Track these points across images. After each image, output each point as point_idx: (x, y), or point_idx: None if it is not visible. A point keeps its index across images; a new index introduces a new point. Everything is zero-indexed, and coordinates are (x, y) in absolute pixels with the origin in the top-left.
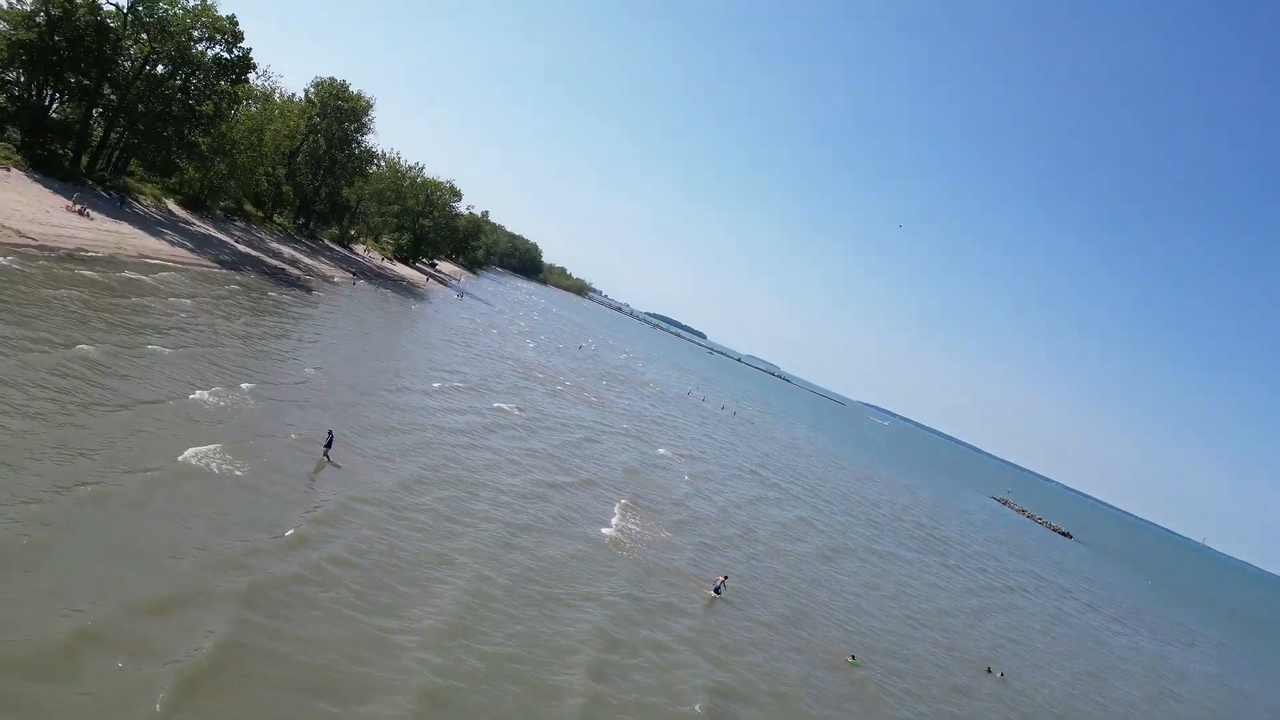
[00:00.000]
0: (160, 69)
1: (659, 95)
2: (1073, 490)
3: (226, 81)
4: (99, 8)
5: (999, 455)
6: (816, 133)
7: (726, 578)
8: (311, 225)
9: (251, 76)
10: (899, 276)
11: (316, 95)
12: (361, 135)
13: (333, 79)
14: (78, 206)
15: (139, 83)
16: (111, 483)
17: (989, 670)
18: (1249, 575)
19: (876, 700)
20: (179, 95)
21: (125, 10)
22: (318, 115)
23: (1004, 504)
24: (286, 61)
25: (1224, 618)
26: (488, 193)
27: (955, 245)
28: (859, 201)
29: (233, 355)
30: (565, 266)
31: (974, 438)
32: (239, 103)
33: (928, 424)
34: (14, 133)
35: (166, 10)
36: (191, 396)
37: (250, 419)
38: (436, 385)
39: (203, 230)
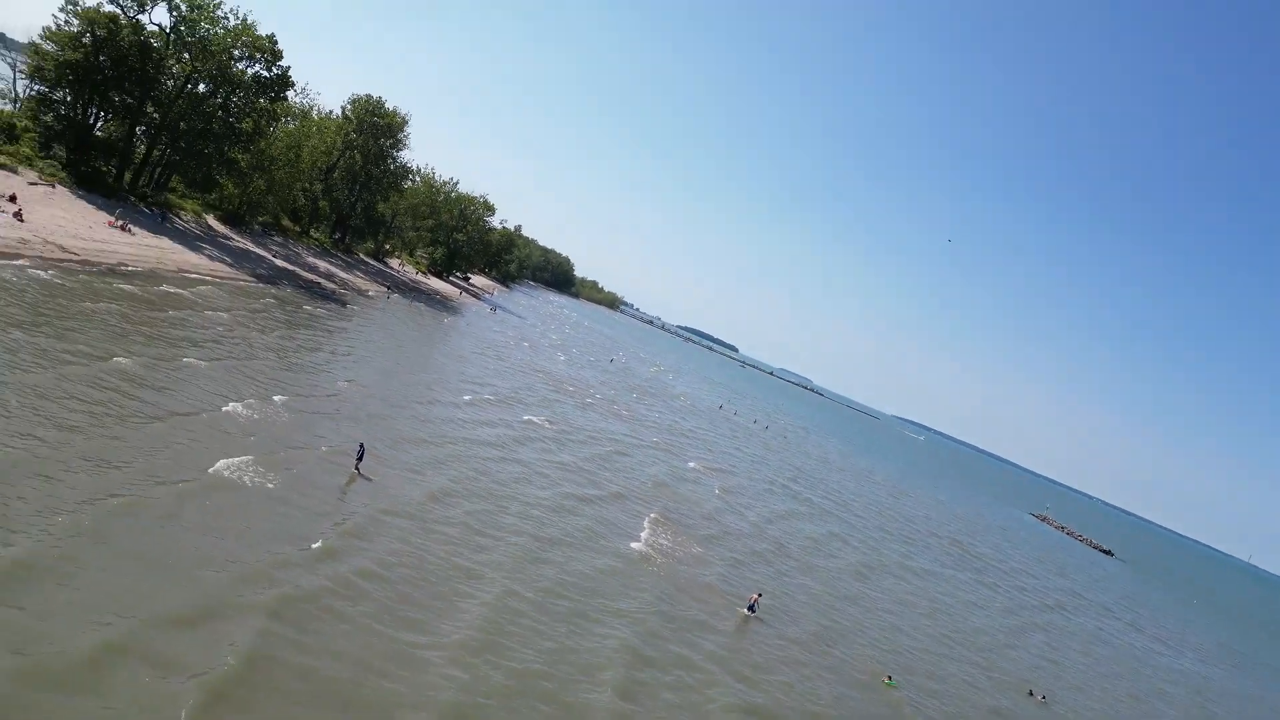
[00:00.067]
0: (201, 87)
1: (694, 108)
2: (1114, 506)
3: (266, 99)
4: (142, 28)
5: (1037, 470)
6: (844, 144)
7: (761, 595)
8: (347, 240)
9: (290, 94)
10: (937, 291)
11: (353, 112)
12: (397, 151)
13: (369, 96)
14: (120, 222)
15: (181, 101)
16: (143, 494)
17: (1030, 693)
18: None
19: None
20: (219, 113)
21: (168, 30)
22: (354, 131)
23: (1044, 520)
24: (323, 78)
25: (1270, 638)
26: (520, 205)
27: (993, 260)
28: (895, 213)
29: (267, 368)
30: (597, 280)
31: (1012, 453)
32: (278, 120)
33: (964, 439)
34: (60, 150)
35: (208, 30)
36: (225, 409)
37: (282, 431)
38: (467, 398)
39: (241, 245)
